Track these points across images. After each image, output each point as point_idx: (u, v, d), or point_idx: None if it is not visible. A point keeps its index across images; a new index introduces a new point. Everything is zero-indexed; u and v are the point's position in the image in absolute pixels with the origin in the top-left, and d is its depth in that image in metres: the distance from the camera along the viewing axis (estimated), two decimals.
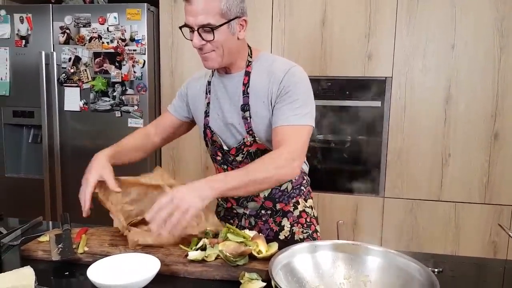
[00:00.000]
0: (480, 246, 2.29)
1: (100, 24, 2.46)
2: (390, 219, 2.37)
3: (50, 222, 1.53)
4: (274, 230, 1.35)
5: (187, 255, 1.04)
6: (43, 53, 2.50)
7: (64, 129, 2.58)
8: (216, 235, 1.13)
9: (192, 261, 1.02)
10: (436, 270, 1.07)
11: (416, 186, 2.33)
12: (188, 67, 2.50)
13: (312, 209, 1.42)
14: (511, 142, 2.24)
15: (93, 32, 2.47)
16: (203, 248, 1.06)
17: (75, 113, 2.55)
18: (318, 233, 1.41)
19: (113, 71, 2.46)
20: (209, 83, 1.34)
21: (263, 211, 1.35)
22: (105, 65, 2.48)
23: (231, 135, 1.30)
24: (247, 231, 1.12)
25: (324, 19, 2.34)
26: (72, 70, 2.52)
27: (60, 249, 1.09)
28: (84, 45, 2.49)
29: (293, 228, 1.35)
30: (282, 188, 1.34)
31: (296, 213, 1.37)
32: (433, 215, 2.32)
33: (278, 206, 1.35)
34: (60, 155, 2.60)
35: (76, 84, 2.53)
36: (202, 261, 1.02)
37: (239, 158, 1.30)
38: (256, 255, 1.02)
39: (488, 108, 2.24)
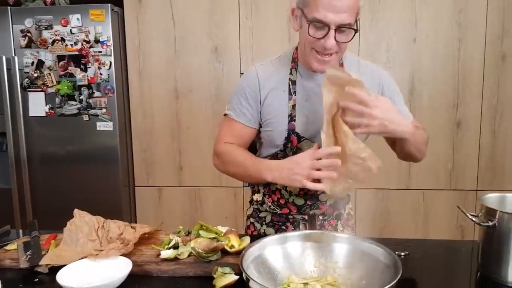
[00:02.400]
0: (449, 230, 2.39)
1: (63, 26, 2.41)
2: (362, 209, 2.44)
3: (20, 231, 1.49)
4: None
5: (159, 255, 1.04)
6: (4, 58, 2.42)
7: (30, 135, 2.52)
8: (188, 233, 1.14)
9: (165, 259, 1.03)
10: (403, 253, 1.12)
11: (385, 176, 2.41)
12: (157, 66, 2.49)
13: (352, 210, 1.43)
14: (473, 129, 2.35)
15: (56, 35, 2.42)
16: (176, 247, 1.07)
17: (40, 118, 2.49)
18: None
19: (79, 74, 2.42)
20: (293, 82, 1.20)
21: (320, 216, 1.29)
22: (70, 68, 2.43)
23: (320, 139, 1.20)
24: (219, 227, 1.14)
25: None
26: (35, 75, 2.46)
27: (28, 256, 1.08)
28: (47, 48, 2.43)
29: (344, 230, 1.34)
30: (343, 197, 1.32)
31: (345, 215, 1.37)
32: (403, 203, 2.40)
33: (335, 211, 1.32)
34: (27, 163, 2.53)
35: (41, 89, 2.47)
36: (175, 259, 1.03)
37: None
38: (229, 249, 1.04)
39: (450, 98, 2.34)
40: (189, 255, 1.04)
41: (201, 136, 2.46)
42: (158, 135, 2.50)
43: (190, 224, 2.49)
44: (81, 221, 1.18)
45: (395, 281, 0.75)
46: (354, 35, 1.07)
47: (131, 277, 0.98)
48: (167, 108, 2.48)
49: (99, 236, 1.16)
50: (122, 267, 0.98)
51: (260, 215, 1.34)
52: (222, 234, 1.08)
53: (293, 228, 1.28)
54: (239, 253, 0.99)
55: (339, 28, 1.03)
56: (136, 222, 2.60)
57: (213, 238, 1.05)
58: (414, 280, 1.01)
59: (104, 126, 2.42)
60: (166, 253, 1.04)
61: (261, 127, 1.25)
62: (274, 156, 1.25)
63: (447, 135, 2.36)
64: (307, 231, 1.03)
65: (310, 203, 1.26)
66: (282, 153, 1.23)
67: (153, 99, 2.49)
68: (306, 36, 1.08)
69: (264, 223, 1.32)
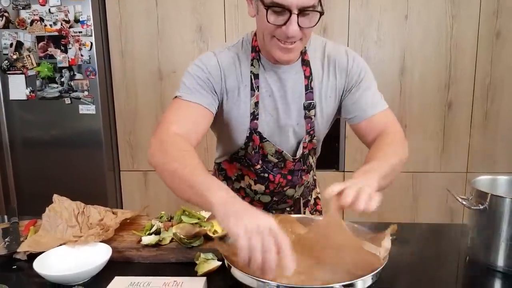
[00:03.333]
0: (438, 213, 2.41)
1: (41, 5, 2.33)
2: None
3: (5, 216, 1.46)
4: None
5: (140, 241, 1.03)
6: None
7: (11, 119, 2.46)
8: (171, 218, 1.12)
9: (146, 245, 1.01)
10: (390, 237, 1.11)
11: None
12: (139, 47, 2.43)
13: (319, 194, 1.40)
14: (464, 110, 2.34)
15: (34, 15, 2.34)
16: (158, 232, 1.05)
17: (21, 102, 2.43)
18: None
19: (59, 56, 2.35)
20: (255, 76, 1.08)
21: (288, 208, 1.28)
22: (50, 49, 2.36)
23: (286, 139, 1.14)
24: (203, 212, 1.12)
25: None
26: (14, 56, 2.39)
27: (7, 243, 1.06)
28: (26, 28, 2.36)
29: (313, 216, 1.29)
30: (308, 184, 1.29)
31: (312, 201, 1.34)
32: (392, 185, 2.39)
33: (302, 200, 1.30)
34: (10, 148, 2.48)
35: (21, 71, 2.40)
36: (156, 245, 1.02)
37: (289, 166, 1.17)
38: (212, 235, 1.02)
39: (442, 77, 2.33)
40: (171, 241, 1.03)
41: None
42: (142, 117, 2.46)
43: (176, 209, 2.48)
44: (61, 207, 1.15)
45: (380, 268, 0.74)
46: (319, 19, 0.96)
47: (112, 263, 0.96)
48: (151, 90, 2.43)
49: (79, 222, 1.13)
50: (101, 254, 0.96)
51: None
52: (205, 220, 1.07)
53: None
54: (222, 239, 0.97)
55: (302, 11, 0.91)
56: (122, 207, 2.59)
57: (196, 223, 1.04)
58: (401, 265, 1.01)
59: (87, 109, 2.37)
60: (147, 239, 1.02)
61: (218, 124, 1.13)
62: (235, 154, 1.18)
63: (438, 116, 2.36)
64: (288, 215, 1.02)
65: (276, 199, 1.23)
66: (243, 152, 1.16)
67: (137, 80, 2.44)
68: (265, 23, 0.95)
69: None
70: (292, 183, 1.21)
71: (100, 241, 1.01)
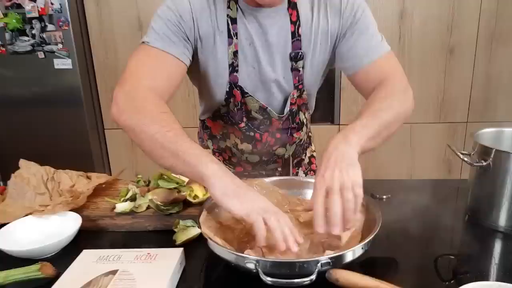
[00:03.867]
0: (435, 166, 2.36)
1: None
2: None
3: None
4: None
5: (114, 208, 0.96)
6: None
7: None
8: (148, 183, 1.04)
9: (121, 213, 0.94)
10: (384, 196, 1.05)
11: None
12: None
13: (315, 152, 1.31)
14: (466, 56, 2.22)
15: None
16: (133, 198, 0.98)
17: None
18: None
19: (27, 5, 2.17)
20: (233, 20, 0.95)
21: (279, 168, 1.18)
22: None
23: (271, 94, 1.03)
24: (182, 177, 1.05)
25: None
26: None
27: None
28: None
29: (307, 176, 1.24)
30: (301, 142, 1.18)
31: (306, 160, 1.26)
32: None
33: (295, 160, 1.21)
34: None
35: None
36: (132, 212, 0.95)
37: (277, 124, 1.06)
38: (192, 200, 0.96)
39: (444, 20, 2.18)
40: (147, 208, 0.96)
41: None
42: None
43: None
44: (28, 173, 1.07)
45: (371, 237, 0.68)
46: None
47: (84, 233, 0.91)
48: (130, 41, 2.28)
49: (48, 189, 1.06)
50: (71, 224, 0.89)
51: None
52: (185, 184, 0.99)
53: None
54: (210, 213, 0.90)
55: None
56: (109, 168, 2.52)
57: (174, 188, 0.96)
58: (395, 226, 0.95)
59: (63, 63, 2.23)
60: (122, 206, 0.95)
61: (194, 74, 1.03)
62: (217, 111, 1.08)
63: (439, 62, 2.24)
64: (276, 178, 0.95)
65: (266, 159, 1.13)
66: (225, 109, 1.05)
67: (115, 31, 2.28)
68: None
69: None
70: (281, 142, 1.11)
71: (70, 210, 0.94)
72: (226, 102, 1.04)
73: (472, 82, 2.24)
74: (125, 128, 0.85)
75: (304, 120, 1.14)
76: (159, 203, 0.92)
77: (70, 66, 2.22)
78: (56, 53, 2.23)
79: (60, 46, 2.21)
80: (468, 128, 2.28)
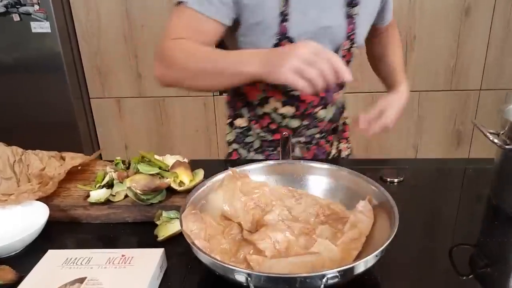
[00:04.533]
0: (444, 136, 2.25)
1: None
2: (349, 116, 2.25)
3: None
4: (327, 151, 1.17)
5: (88, 196, 0.85)
6: None
7: None
8: (129, 165, 0.93)
9: (96, 203, 0.84)
10: (396, 180, 0.95)
11: (375, 77, 2.16)
12: None
13: (347, 119, 1.24)
14: (484, 17, 2.06)
15: None
16: (110, 185, 0.87)
17: None
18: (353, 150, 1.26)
19: None
20: None
21: (317, 135, 1.12)
22: None
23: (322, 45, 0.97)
24: (168, 157, 0.94)
25: None
26: None
27: None
28: None
29: (340, 144, 1.20)
30: (339, 105, 1.15)
31: (341, 127, 1.20)
32: None
33: (332, 126, 1.15)
34: None
35: None
36: (108, 201, 0.84)
37: None
38: (177, 188, 0.85)
39: None
40: (126, 196, 0.85)
41: (159, 35, 2.13)
42: (108, 36, 2.17)
43: (157, 140, 2.30)
44: None
45: (390, 239, 0.57)
46: None
47: (55, 224, 0.81)
48: (114, 2, 2.10)
49: (15, 173, 0.95)
50: (38, 216, 0.79)
51: (246, 141, 1.13)
52: (169, 168, 0.88)
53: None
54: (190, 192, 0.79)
55: None
56: (97, 140, 2.40)
57: (156, 174, 0.85)
58: (409, 213, 0.85)
59: (40, 27, 2.06)
60: (96, 195, 0.84)
61: (235, 31, 0.94)
62: None
63: (453, 25, 2.07)
64: (272, 162, 0.84)
65: (306, 123, 1.07)
66: None
67: None
68: None
69: (251, 149, 1.13)
70: (324, 102, 1.05)
71: (38, 199, 0.83)
72: None
73: (488, 47, 2.09)
74: (167, 80, 0.89)
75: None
76: (138, 191, 0.81)
77: (49, 30, 2.06)
78: (32, 15, 2.05)
79: (36, 7, 2.04)
80: (481, 96, 2.15)
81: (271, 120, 1.07)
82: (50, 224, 0.79)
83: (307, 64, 0.69)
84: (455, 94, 2.18)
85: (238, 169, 0.82)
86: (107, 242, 0.78)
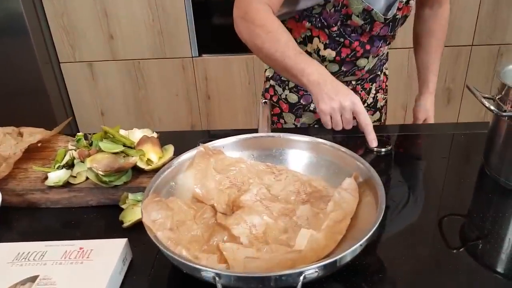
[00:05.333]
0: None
1: None
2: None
3: None
4: (363, 99, 1.16)
5: (47, 178, 0.78)
6: None
7: None
8: (91, 143, 0.85)
9: (54, 186, 0.76)
10: (383, 150, 0.89)
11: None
12: None
13: (387, 70, 1.24)
14: None
15: None
16: (71, 165, 0.80)
17: None
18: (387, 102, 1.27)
19: None
20: None
21: (353, 82, 1.12)
22: None
23: None
24: (136, 131, 0.86)
25: None
26: None
27: None
28: None
29: (377, 94, 1.19)
30: (383, 56, 1.13)
31: (382, 76, 1.19)
32: None
33: (370, 76, 1.15)
34: None
35: None
36: (68, 184, 0.77)
37: (376, 29, 1.00)
38: (145, 167, 0.78)
39: None
40: (88, 178, 0.78)
41: None
42: None
43: (135, 106, 2.20)
44: None
45: (376, 225, 0.52)
46: None
47: (11, 210, 0.75)
48: None
49: None
50: None
51: (282, 78, 1.13)
52: (135, 145, 0.80)
53: None
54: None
55: None
56: (71, 108, 2.28)
57: (120, 152, 0.78)
58: (397, 185, 0.80)
59: None
60: (55, 177, 0.77)
61: None
62: (307, 11, 0.99)
63: None
64: (250, 135, 0.77)
65: (345, 70, 1.07)
66: (320, 8, 0.97)
67: None
68: None
69: (287, 87, 1.13)
70: (367, 53, 1.05)
71: None
72: (325, 1, 0.95)
73: (481, 1, 1.99)
74: (244, 39, 0.94)
75: (395, 35, 1.09)
76: (100, 172, 0.73)
77: None
78: None
79: None
80: (472, 52, 2.08)
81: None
82: (5, 210, 0.73)
83: (340, 110, 0.84)
84: (446, 50, 2.09)
85: (210, 145, 0.75)
86: (67, 230, 0.72)
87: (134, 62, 2.13)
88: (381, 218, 0.52)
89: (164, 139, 0.86)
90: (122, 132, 0.85)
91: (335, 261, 0.47)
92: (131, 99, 2.23)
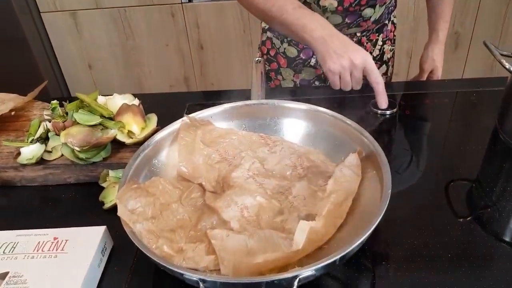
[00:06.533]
0: None
1: None
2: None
3: None
4: (368, 52, 1.06)
5: (20, 154, 0.71)
6: None
7: None
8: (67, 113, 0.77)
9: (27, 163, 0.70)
10: (388, 112, 0.82)
11: None
12: None
13: (395, 18, 1.14)
14: None
15: None
16: (46, 138, 0.73)
17: None
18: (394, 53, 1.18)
19: None
20: None
21: (358, 33, 1.03)
22: None
23: None
24: (116, 97, 0.78)
25: None
26: None
27: None
28: None
29: (384, 46, 1.09)
30: (390, 4, 1.03)
31: (389, 25, 1.09)
32: None
33: (377, 26, 1.05)
34: None
35: None
36: (43, 161, 0.70)
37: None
38: (126, 140, 0.71)
39: None
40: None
41: None
42: None
43: (123, 57, 2.08)
44: None
45: (381, 216, 0.46)
46: None
47: None
48: None
49: None
50: None
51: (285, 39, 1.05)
52: (114, 116, 0.73)
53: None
54: (141, 144, 0.66)
55: None
56: (56, 59, 2.16)
57: (98, 124, 0.70)
58: (402, 152, 0.74)
59: None
60: (27, 152, 0.70)
61: None
62: None
63: None
64: (241, 103, 0.69)
65: (349, 21, 0.98)
66: None
67: None
68: None
69: (285, 39, 1.04)
70: (374, 1, 0.95)
71: None
72: None
73: None
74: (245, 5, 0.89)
75: None
76: (75, 148, 0.67)
77: None
78: None
79: None
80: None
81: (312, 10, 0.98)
82: None
83: (350, 69, 0.77)
84: None
85: (197, 115, 0.68)
86: (43, 212, 0.66)
87: (120, 10, 1.98)
88: (385, 208, 0.46)
89: (148, 104, 0.79)
90: (100, 99, 0.77)
91: (334, 262, 0.41)
92: (119, 50, 2.11)
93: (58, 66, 2.15)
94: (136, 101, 0.77)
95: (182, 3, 1.95)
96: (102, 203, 0.65)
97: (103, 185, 0.67)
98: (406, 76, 2.18)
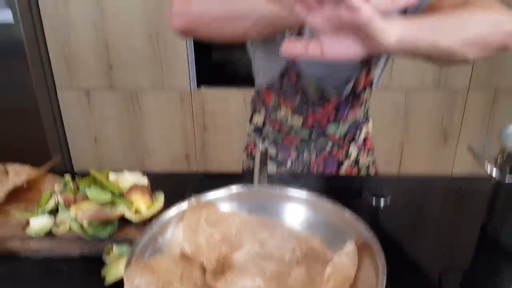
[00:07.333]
0: (431, 133, 2.17)
1: None
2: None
3: None
4: (339, 161, 1.09)
5: (28, 225, 0.73)
6: None
7: None
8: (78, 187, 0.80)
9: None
10: (382, 203, 0.85)
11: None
12: None
13: (371, 129, 1.15)
14: None
15: None
16: (56, 210, 0.75)
17: None
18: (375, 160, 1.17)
19: None
20: None
21: (329, 143, 1.07)
22: None
23: (334, 71, 0.94)
24: (126, 174, 0.81)
25: None
26: None
27: None
28: None
29: (358, 156, 1.11)
30: (356, 122, 1.04)
31: (362, 137, 1.10)
32: (382, 105, 2.11)
33: (348, 137, 1.08)
34: None
35: None
36: (50, 233, 0.72)
37: (333, 103, 0.99)
38: (132, 218, 0.73)
39: None
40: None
41: (131, 25, 1.98)
42: (77, 25, 2.00)
43: (130, 136, 2.15)
44: None
45: None
46: None
47: None
48: None
49: None
50: None
51: (262, 136, 1.11)
52: (125, 193, 0.76)
53: (296, 154, 1.08)
54: (146, 222, 0.68)
55: None
56: (64, 134, 2.24)
57: (106, 203, 0.73)
58: (394, 243, 0.76)
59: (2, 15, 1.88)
60: (36, 225, 0.72)
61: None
62: (269, 86, 1.00)
63: None
64: (246, 188, 0.73)
65: (315, 137, 1.05)
66: (279, 84, 0.97)
67: None
68: None
69: (266, 141, 1.11)
70: (335, 119, 1.02)
71: None
72: (281, 77, 0.96)
73: None
74: (185, 26, 0.74)
75: (367, 98, 1.03)
76: (85, 222, 0.69)
77: (11, 19, 1.88)
78: None
79: None
80: (469, 96, 2.08)
81: (280, 126, 1.06)
82: None
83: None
84: (443, 94, 2.09)
85: (203, 197, 0.71)
86: (42, 286, 0.66)
87: (132, 93, 2.10)
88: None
89: (155, 182, 0.82)
90: (111, 176, 0.81)
91: None
92: (127, 128, 2.19)
93: (65, 138, 2.22)
94: (145, 179, 0.81)
95: (191, 89, 2.08)
96: (104, 278, 0.65)
97: (106, 259, 0.68)
98: (398, 166, 2.25)
